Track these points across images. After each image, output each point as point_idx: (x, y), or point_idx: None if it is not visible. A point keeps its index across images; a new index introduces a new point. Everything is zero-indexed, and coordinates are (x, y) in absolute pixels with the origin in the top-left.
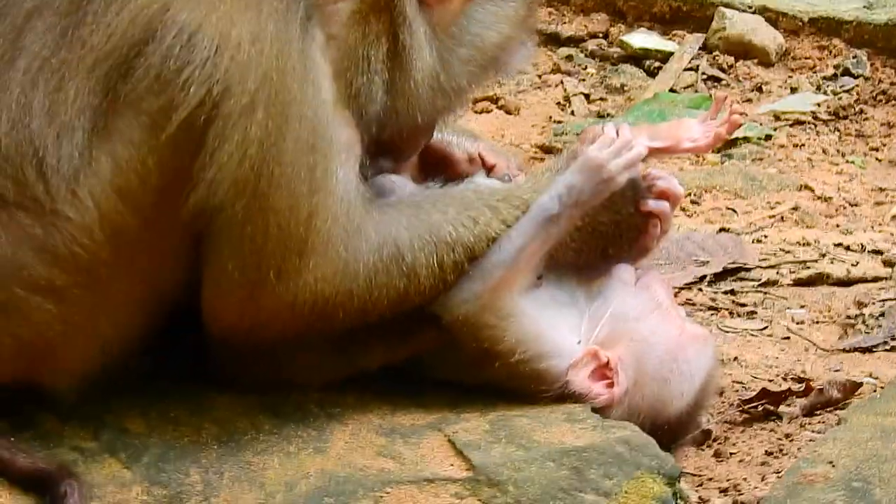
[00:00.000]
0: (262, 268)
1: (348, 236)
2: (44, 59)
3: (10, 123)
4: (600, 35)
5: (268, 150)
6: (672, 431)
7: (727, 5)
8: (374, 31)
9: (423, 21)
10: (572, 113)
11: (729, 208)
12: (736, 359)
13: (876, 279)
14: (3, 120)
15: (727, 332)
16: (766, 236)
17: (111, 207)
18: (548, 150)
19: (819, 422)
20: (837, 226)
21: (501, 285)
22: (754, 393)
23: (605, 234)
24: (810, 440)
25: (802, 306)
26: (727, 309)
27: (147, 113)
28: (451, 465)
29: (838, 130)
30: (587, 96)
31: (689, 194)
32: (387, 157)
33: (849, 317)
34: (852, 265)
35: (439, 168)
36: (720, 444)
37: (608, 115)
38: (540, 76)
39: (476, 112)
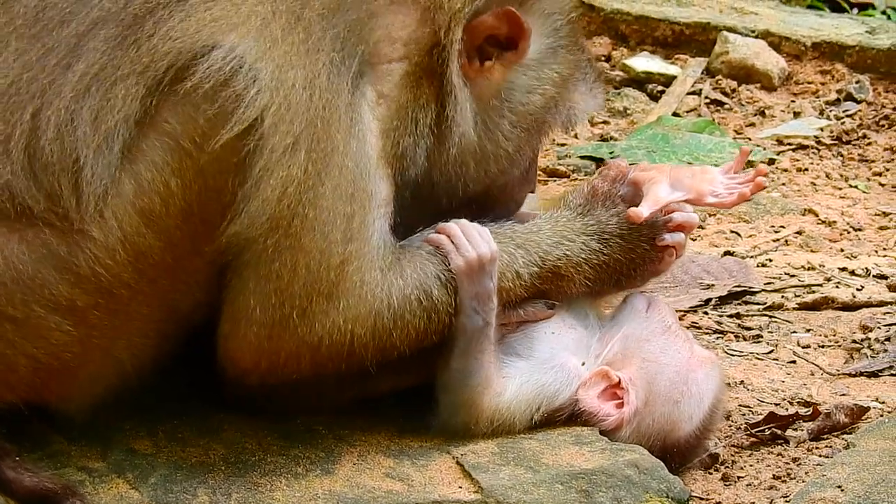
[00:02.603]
0: (286, 306)
1: (383, 277)
2: (101, 65)
3: (56, 130)
4: (603, 58)
5: (305, 192)
6: (680, 454)
7: (730, 30)
8: (425, 96)
9: (469, 94)
10: (576, 136)
11: (733, 232)
12: (742, 382)
13: (881, 304)
14: (51, 125)
15: (733, 355)
16: (770, 260)
17: (134, 229)
18: (552, 173)
19: (826, 446)
20: (842, 250)
21: (483, 389)
22: (761, 417)
23: (620, 270)
24: (818, 464)
25: (808, 330)
26: (733, 332)
27: (170, 135)
28: (460, 487)
29: (841, 155)
30: (590, 119)
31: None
32: (486, 214)
33: (854, 341)
34: (857, 289)
35: None
36: (728, 467)
37: (611, 138)
38: None
39: None
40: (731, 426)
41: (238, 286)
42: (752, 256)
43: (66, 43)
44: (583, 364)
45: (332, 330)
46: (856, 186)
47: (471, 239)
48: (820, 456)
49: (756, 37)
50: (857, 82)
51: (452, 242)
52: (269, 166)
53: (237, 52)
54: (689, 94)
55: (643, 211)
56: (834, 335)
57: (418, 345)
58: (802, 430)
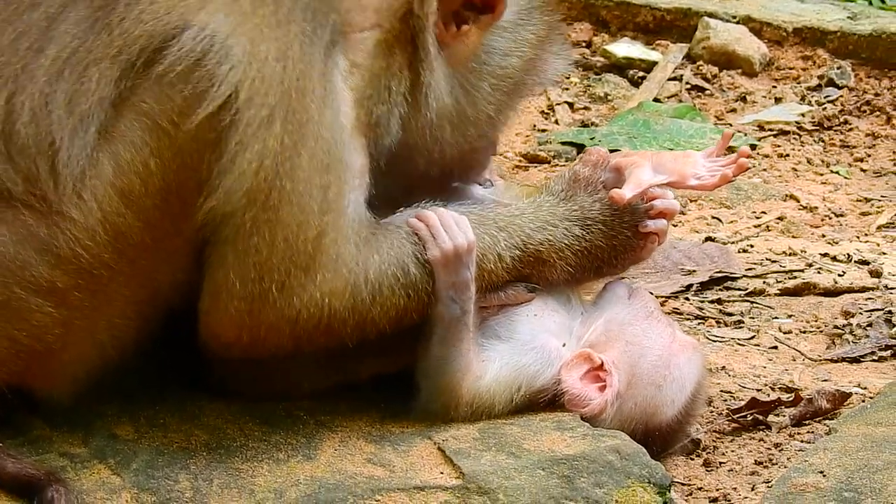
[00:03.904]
0: (265, 280)
1: (358, 251)
2: (73, 49)
3: (31, 113)
4: (584, 44)
5: (282, 163)
6: (662, 440)
7: (711, 15)
8: (398, 63)
9: (442, 60)
10: (556, 122)
11: (714, 218)
12: (723, 368)
13: (863, 289)
14: (26, 109)
15: (714, 341)
16: (751, 246)
17: (113, 209)
18: (532, 158)
19: (808, 432)
20: (823, 236)
21: (463, 375)
22: (743, 402)
23: (601, 256)
24: (800, 450)
25: (789, 316)
26: (714, 318)
27: (148, 115)
28: (441, 472)
29: (823, 141)
30: (571, 105)
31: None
32: (458, 179)
33: (836, 327)
34: (839, 275)
35: None
36: (709, 453)
37: (592, 123)
38: None
39: None
40: (712, 412)
41: (217, 262)
42: (733, 242)
43: (38, 26)
44: (563, 345)
45: (309, 303)
46: (837, 172)
47: (448, 229)
48: (802, 441)
49: (737, 22)
50: (838, 68)
51: (430, 232)
52: (245, 140)
53: (208, 30)
54: (670, 79)
55: (626, 192)
56: (815, 321)
57: (398, 323)
58: (784, 416)
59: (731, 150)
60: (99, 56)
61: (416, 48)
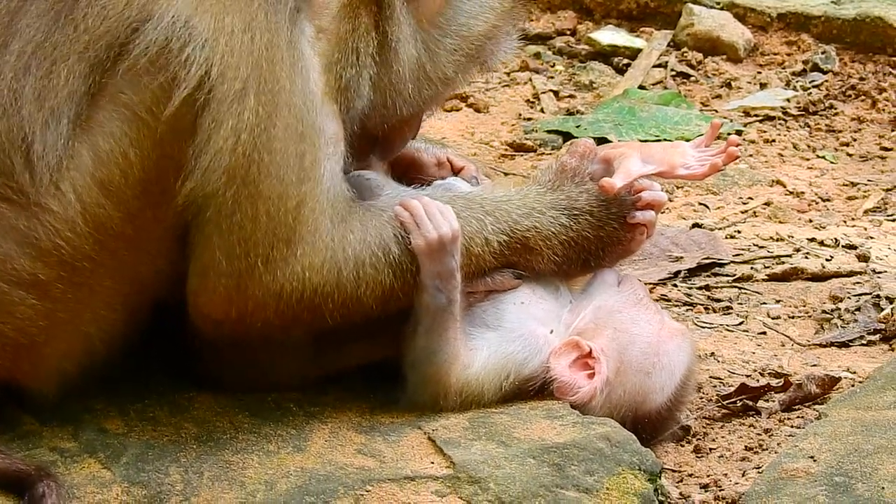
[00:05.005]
0: (251, 256)
1: (334, 227)
2: (37, 43)
3: (1, 109)
4: (568, 32)
5: (258, 136)
6: (652, 427)
7: (695, 1)
8: (364, 25)
9: (409, 13)
10: (542, 110)
11: (701, 204)
12: (713, 354)
13: (850, 273)
14: None
15: (703, 327)
16: (739, 231)
17: (93, 201)
18: (518, 147)
19: (798, 417)
20: (810, 221)
21: (450, 364)
22: (733, 388)
23: (588, 248)
24: (790, 435)
25: (777, 301)
26: (702, 304)
27: (127, 105)
28: (432, 462)
29: (808, 126)
30: (556, 93)
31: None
32: (375, 151)
33: (824, 311)
34: (826, 260)
35: (408, 172)
36: (699, 439)
37: (578, 112)
38: (508, 74)
39: (446, 110)
40: (702, 398)
41: (203, 242)
42: (720, 228)
43: (0, 21)
44: (551, 332)
45: (291, 277)
46: (823, 157)
47: (432, 218)
48: (792, 427)
49: (721, 8)
50: (822, 53)
51: (414, 221)
52: (220, 116)
53: (171, 15)
54: (654, 66)
55: (616, 181)
56: (804, 306)
57: (386, 304)
58: (774, 402)
59: (719, 138)
60: (65, 52)
61: (382, 6)
